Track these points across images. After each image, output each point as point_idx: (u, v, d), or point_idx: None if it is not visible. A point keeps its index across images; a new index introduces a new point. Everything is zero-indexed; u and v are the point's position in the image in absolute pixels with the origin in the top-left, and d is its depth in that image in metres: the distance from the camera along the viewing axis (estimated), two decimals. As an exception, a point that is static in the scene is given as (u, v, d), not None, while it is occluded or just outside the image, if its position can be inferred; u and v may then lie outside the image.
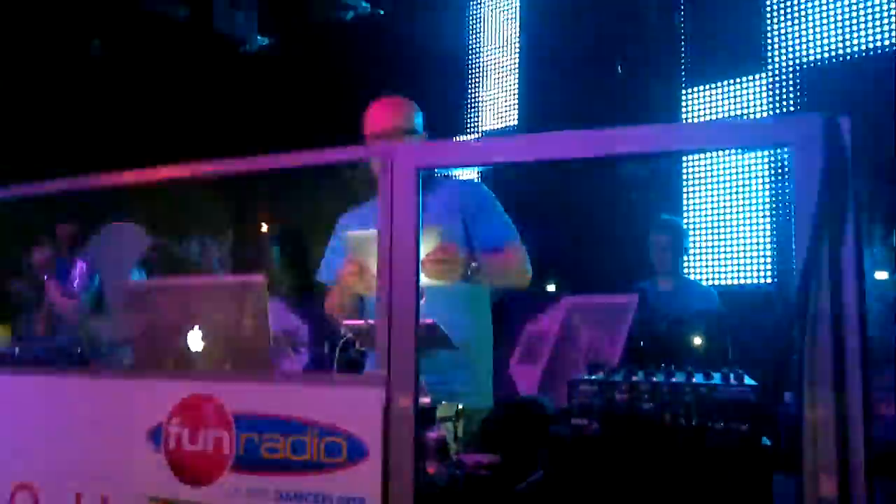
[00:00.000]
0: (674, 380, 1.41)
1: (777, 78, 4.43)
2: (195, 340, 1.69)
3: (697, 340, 2.70)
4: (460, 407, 1.86)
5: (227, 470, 1.47)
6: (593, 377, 1.46)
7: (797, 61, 4.35)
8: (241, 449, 1.47)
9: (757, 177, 4.47)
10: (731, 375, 1.45)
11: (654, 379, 1.42)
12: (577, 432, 1.40)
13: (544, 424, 1.69)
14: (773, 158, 4.36)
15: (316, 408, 1.42)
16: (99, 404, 1.67)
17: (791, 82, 4.38)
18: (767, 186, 4.42)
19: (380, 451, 1.35)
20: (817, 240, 1.16)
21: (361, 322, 2.02)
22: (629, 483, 1.35)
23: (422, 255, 2.10)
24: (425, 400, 1.81)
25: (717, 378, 1.43)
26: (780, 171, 4.36)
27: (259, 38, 6.17)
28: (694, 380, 1.42)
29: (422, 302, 2.25)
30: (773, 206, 4.39)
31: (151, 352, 1.79)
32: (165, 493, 1.54)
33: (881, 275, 3.79)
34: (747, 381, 1.42)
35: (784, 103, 4.41)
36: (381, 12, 5.93)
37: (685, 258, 4.22)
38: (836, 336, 1.16)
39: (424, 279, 2.13)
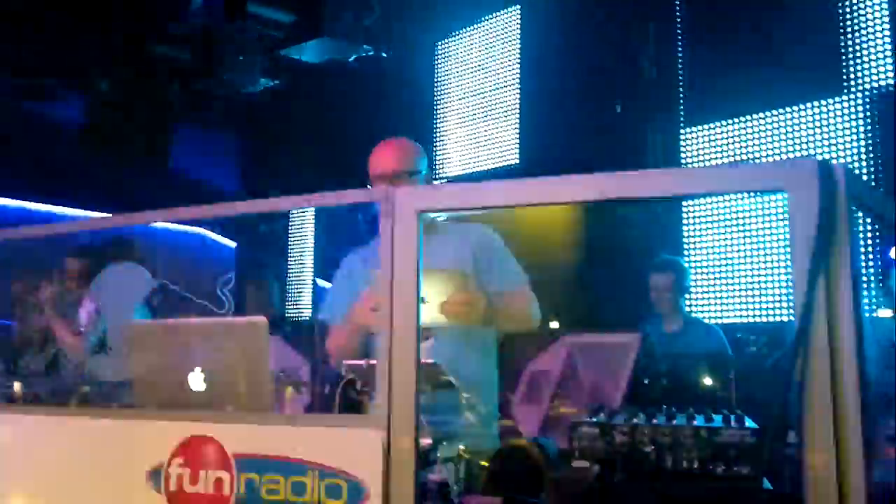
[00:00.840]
0: (675, 422, 1.42)
1: (778, 118, 4.47)
2: (196, 381, 1.70)
3: (701, 381, 2.69)
4: (461, 448, 1.86)
5: (227, 512, 1.47)
6: (594, 419, 1.46)
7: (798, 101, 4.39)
8: (241, 490, 1.46)
9: (758, 215, 4.49)
10: (732, 418, 1.45)
11: (655, 421, 1.42)
12: (578, 475, 1.40)
13: (546, 467, 1.68)
14: (773, 197, 4.38)
15: (316, 449, 1.42)
16: (100, 444, 1.67)
17: (791, 122, 4.42)
18: (769, 224, 4.44)
19: (380, 492, 1.35)
20: (813, 282, 1.17)
21: (362, 362, 2.03)
22: (630, 526, 1.35)
23: (442, 297, 2.15)
24: (426, 441, 1.81)
25: (718, 421, 1.43)
26: (779, 209, 4.38)
27: (262, 80, 6.25)
28: (695, 422, 1.42)
29: (430, 343, 2.27)
30: (776, 243, 4.40)
31: (153, 392, 1.79)
32: (165, 535, 1.53)
33: (885, 313, 3.78)
34: (748, 423, 1.42)
35: (783, 144, 4.45)
36: (385, 55, 6.01)
37: (687, 297, 4.21)
38: (833, 378, 1.17)
39: (440, 319, 2.17)
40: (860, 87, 4.15)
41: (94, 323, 3.68)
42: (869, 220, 3.70)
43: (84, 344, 3.65)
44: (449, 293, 2.18)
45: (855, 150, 4.14)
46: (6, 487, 1.78)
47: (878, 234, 3.91)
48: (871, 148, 4.10)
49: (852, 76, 4.17)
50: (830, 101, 4.25)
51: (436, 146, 6.14)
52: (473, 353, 2.45)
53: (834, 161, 1.20)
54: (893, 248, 3.71)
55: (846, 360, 1.16)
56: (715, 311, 4.59)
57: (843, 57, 4.20)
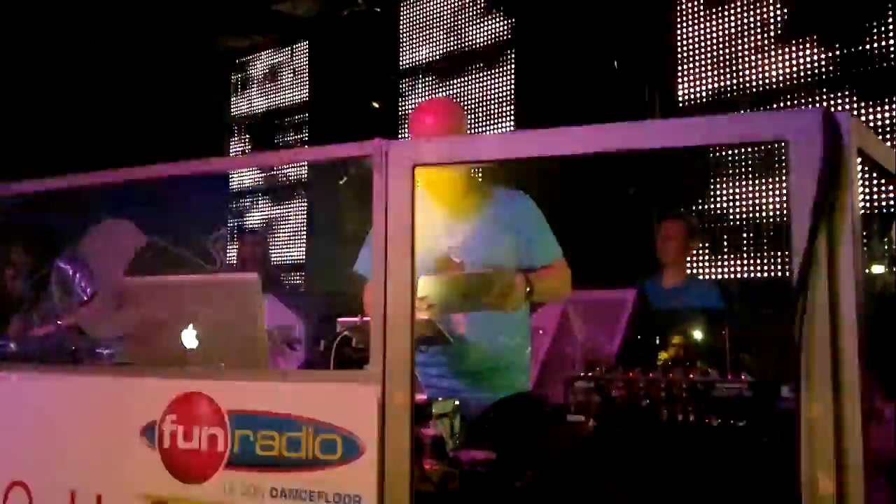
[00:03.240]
0: (671, 376, 1.41)
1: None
2: (190, 338, 1.68)
3: (697, 337, 2.70)
4: (457, 403, 1.86)
5: (222, 467, 1.47)
6: (590, 374, 1.46)
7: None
8: (235, 446, 1.46)
9: (759, 169, 4.46)
10: (729, 372, 1.45)
11: (651, 375, 1.42)
12: (574, 429, 1.39)
13: (540, 421, 1.68)
14: (776, 151, 4.35)
15: (311, 405, 1.41)
16: (93, 402, 1.66)
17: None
18: (770, 179, 4.41)
19: (375, 448, 1.35)
20: (814, 235, 1.16)
21: (356, 319, 2.01)
22: (626, 479, 1.34)
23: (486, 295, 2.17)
24: (421, 396, 1.81)
25: (714, 375, 1.43)
26: (782, 163, 4.35)
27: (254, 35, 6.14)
28: (691, 376, 1.41)
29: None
30: (775, 199, 4.38)
31: (146, 349, 1.78)
32: (159, 490, 1.53)
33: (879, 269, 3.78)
34: (745, 377, 1.42)
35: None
36: (378, 9, 5.91)
37: (690, 254, 4.21)
38: (833, 332, 1.16)
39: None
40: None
41: (92, 283, 3.64)
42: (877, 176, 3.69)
43: (91, 312, 3.59)
44: (493, 291, 2.20)
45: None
46: (1, 445, 1.77)
47: (882, 187, 3.89)
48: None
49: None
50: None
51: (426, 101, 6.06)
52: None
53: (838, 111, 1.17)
54: None
55: (846, 315, 1.15)
56: (714, 268, 4.59)
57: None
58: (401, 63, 6.08)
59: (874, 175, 3.72)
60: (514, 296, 2.22)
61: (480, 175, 2.52)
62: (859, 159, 1.24)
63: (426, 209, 2.44)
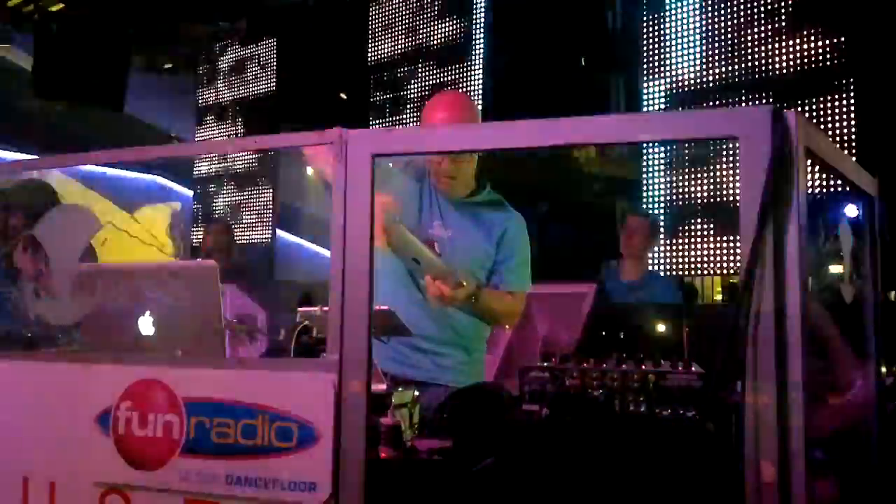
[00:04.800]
0: (623, 367, 1.44)
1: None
2: (146, 325, 1.67)
3: (655, 331, 2.75)
4: (416, 393, 1.87)
5: (177, 454, 1.46)
6: (545, 364, 1.48)
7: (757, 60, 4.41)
8: (190, 433, 1.46)
9: (717, 167, 4.52)
10: (680, 364, 1.48)
11: (604, 366, 1.44)
12: (528, 418, 1.42)
13: (498, 410, 1.70)
14: (733, 149, 4.42)
15: (267, 393, 1.42)
16: (47, 389, 1.64)
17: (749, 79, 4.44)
18: (729, 176, 4.47)
19: (331, 435, 1.36)
20: (761, 232, 1.18)
21: (316, 308, 2.02)
22: (578, 467, 1.37)
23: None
24: (381, 386, 1.82)
25: (665, 366, 1.46)
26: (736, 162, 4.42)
27: (221, 23, 6.09)
28: (643, 367, 1.44)
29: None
30: (734, 197, 4.45)
31: (101, 336, 1.76)
32: (114, 477, 1.52)
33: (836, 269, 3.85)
34: (695, 369, 1.45)
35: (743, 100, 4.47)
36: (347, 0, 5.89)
37: (653, 251, 4.28)
38: (778, 327, 1.19)
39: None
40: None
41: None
42: (828, 176, 3.76)
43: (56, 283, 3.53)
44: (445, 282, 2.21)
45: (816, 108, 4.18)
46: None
47: (833, 187, 3.97)
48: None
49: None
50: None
51: (396, 94, 6.05)
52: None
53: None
54: (850, 205, 3.77)
55: (791, 306, 1.18)
56: (673, 265, 4.65)
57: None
58: (369, 55, 6.07)
59: (821, 172, 3.80)
60: (458, 290, 2.23)
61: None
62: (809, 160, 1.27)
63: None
